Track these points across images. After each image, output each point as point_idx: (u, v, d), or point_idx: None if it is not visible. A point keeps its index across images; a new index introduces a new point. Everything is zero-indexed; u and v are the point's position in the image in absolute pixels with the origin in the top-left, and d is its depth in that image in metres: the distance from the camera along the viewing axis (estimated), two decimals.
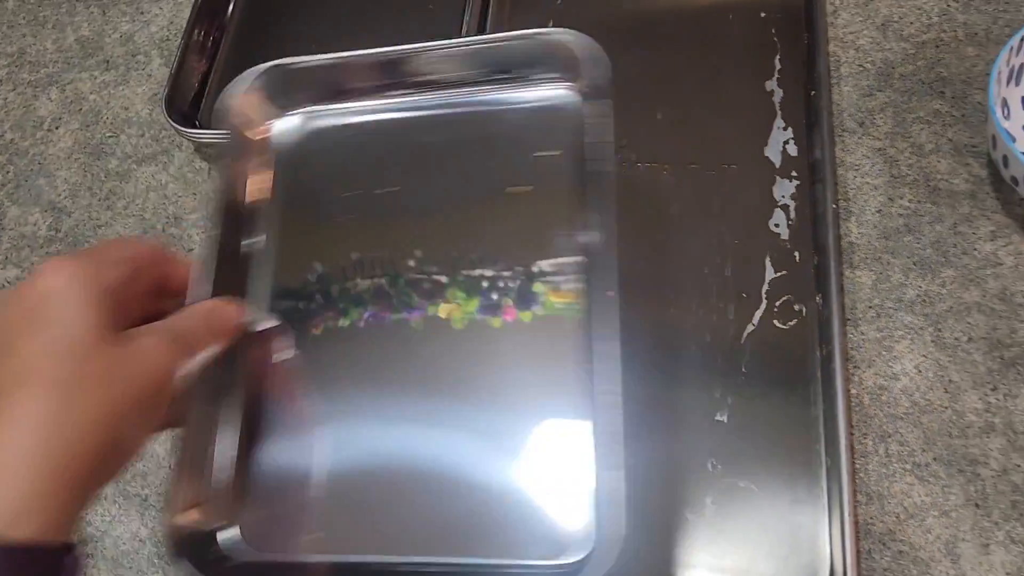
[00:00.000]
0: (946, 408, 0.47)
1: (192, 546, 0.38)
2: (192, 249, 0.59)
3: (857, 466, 0.46)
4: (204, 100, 0.62)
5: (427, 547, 0.39)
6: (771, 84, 0.57)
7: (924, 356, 0.48)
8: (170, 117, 0.58)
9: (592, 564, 0.36)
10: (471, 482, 0.40)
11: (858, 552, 0.44)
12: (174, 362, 0.33)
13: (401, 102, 0.48)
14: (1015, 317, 0.49)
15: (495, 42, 0.46)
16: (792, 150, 0.55)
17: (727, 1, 0.60)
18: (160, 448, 0.54)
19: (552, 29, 0.45)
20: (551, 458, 0.39)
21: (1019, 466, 0.45)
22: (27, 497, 0.28)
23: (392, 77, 0.47)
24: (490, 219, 0.45)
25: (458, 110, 0.47)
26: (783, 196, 0.53)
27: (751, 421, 0.48)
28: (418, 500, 0.40)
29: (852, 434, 0.47)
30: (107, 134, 0.65)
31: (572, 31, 0.44)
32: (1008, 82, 0.51)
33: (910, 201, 0.53)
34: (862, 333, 0.49)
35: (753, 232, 0.53)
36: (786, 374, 0.49)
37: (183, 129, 0.57)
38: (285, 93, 0.47)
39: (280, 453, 0.42)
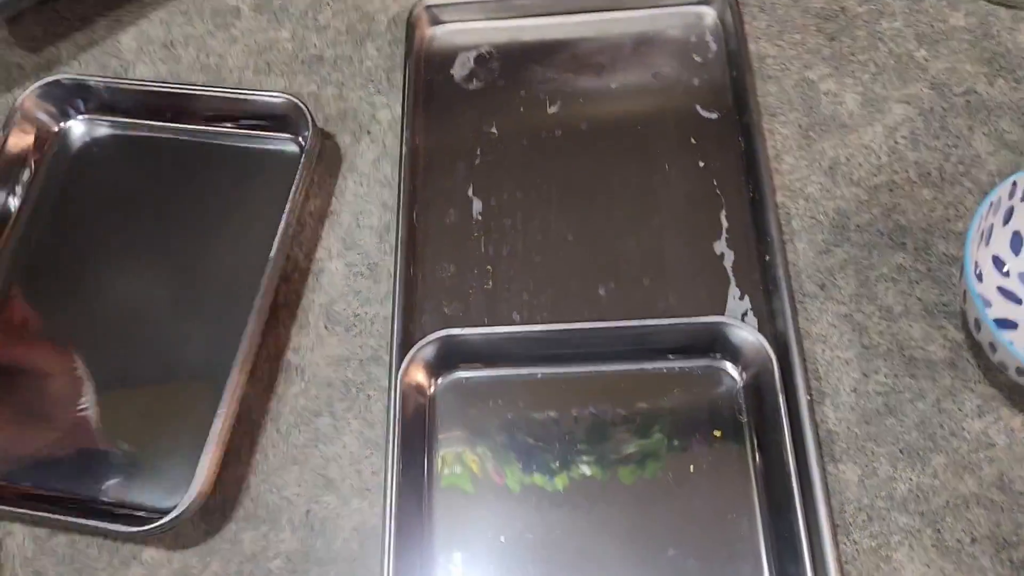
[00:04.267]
0: None
1: None
2: None
3: None
4: None
5: None
6: (720, 246, 0.52)
7: (927, 565, 0.43)
8: None
9: None
10: None
11: None
12: None
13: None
14: (1018, 509, 0.44)
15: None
16: (752, 322, 0.49)
17: (663, 153, 0.55)
18: None
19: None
20: None
21: None
22: None
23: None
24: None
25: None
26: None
27: None
28: None
29: None
30: None
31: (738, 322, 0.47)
32: (978, 244, 0.46)
33: (886, 376, 0.48)
34: (855, 542, 0.44)
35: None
36: None
37: None
38: None
39: None
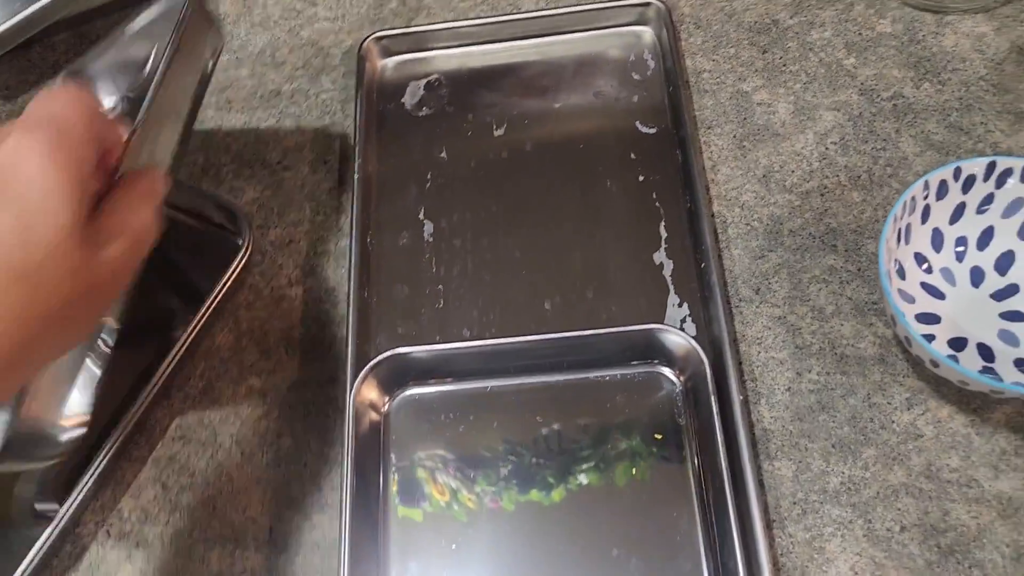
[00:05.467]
0: None
1: None
2: None
3: None
4: None
5: None
6: (660, 256, 0.54)
7: (858, 554, 0.45)
8: None
9: None
10: None
11: None
12: (133, 268, 0.36)
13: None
14: (945, 496, 0.46)
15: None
16: (690, 328, 0.51)
17: (605, 169, 0.57)
18: None
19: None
20: None
21: None
22: None
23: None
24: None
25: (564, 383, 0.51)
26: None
27: None
28: None
29: None
30: None
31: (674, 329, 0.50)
32: (899, 243, 0.48)
33: (819, 373, 0.50)
34: (790, 535, 0.46)
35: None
36: None
37: None
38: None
39: None
